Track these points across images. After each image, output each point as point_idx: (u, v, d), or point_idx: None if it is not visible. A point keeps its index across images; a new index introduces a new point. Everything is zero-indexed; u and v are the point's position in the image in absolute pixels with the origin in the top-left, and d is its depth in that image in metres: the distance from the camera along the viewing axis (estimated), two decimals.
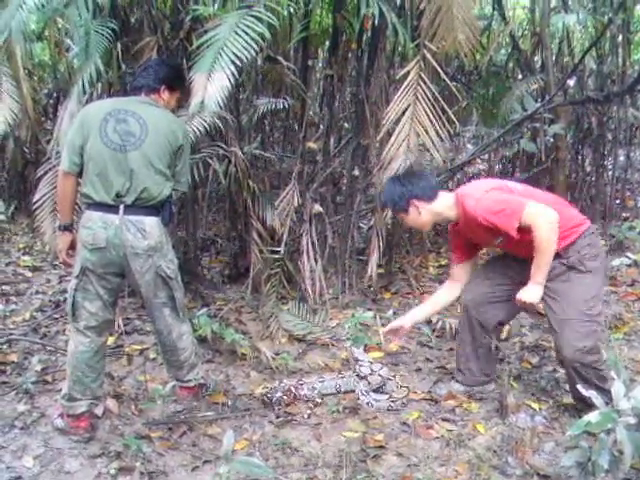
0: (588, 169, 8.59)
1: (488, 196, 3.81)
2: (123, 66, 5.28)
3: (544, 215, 3.65)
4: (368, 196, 6.56)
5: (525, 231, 3.68)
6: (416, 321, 4.43)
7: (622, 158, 8.94)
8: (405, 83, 5.09)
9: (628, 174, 9.11)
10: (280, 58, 5.26)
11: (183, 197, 5.14)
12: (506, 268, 4.17)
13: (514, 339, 5.11)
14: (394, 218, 5.46)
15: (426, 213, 4.02)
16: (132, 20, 5.48)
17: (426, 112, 5.03)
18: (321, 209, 5.60)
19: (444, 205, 4.02)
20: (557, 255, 3.80)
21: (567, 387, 4.13)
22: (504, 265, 4.20)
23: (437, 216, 4.07)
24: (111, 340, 4.95)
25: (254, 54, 4.06)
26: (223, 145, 5.13)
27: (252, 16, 4.12)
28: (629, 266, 6.33)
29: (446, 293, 4.40)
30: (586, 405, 3.71)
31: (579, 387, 3.34)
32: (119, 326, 5.11)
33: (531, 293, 3.80)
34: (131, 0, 5.32)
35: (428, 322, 5.22)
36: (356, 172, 6.02)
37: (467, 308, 4.27)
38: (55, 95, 9.49)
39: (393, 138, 5.09)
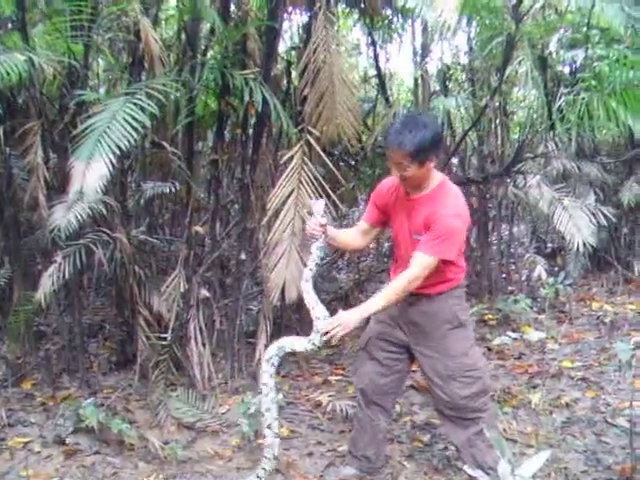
0: (473, 246, 8.80)
1: (461, 214, 3.78)
2: (7, 149, 5.21)
3: (427, 272, 3.71)
4: (256, 278, 6.56)
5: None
6: (333, 233, 4.05)
7: (506, 233, 9.21)
8: (289, 167, 5.16)
9: (512, 248, 9.38)
10: (165, 144, 5.26)
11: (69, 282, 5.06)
12: (385, 338, 4.14)
13: (405, 418, 5.13)
14: (282, 300, 5.42)
15: (427, 172, 3.78)
16: (18, 102, 5.42)
17: (310, 195, 5.09)
18: (208, 294, 5.56)
19: (433, 172, 3.85)
20: (432, 298, 3.89)
21: (459, 464, 4.16)
22: (381, 336, 4.16)
23: (426, 179, 3.81)
24: None
25: (135, 141, 4.06)
26: (107, 231, 5.07)
27: (134, 103, 4.13)
28: (515, 339, 6.46)
29: (352, 235, 4.22)
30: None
31: (465, 468, 3.37)
32: (1, 418, 4.92)
33: (345, 318, 3.68)
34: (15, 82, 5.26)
35: (318, 405, 5.22)
36: (243, 256, 6.03)
37: (364, 393, 4.26)
38: None
39: (278, 222, 5.13)
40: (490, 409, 4.09)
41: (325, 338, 3.65)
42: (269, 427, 3.76)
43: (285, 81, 6.30)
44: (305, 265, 4.04)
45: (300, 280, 3.96)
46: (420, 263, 3.68)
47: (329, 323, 3.64)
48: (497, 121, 8.19)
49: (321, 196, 5.04)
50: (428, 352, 3.96)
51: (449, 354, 3.91)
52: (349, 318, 3.65)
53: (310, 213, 3.98)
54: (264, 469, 3.84)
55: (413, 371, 4.83)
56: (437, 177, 3.86)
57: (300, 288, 3.93)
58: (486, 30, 6.97)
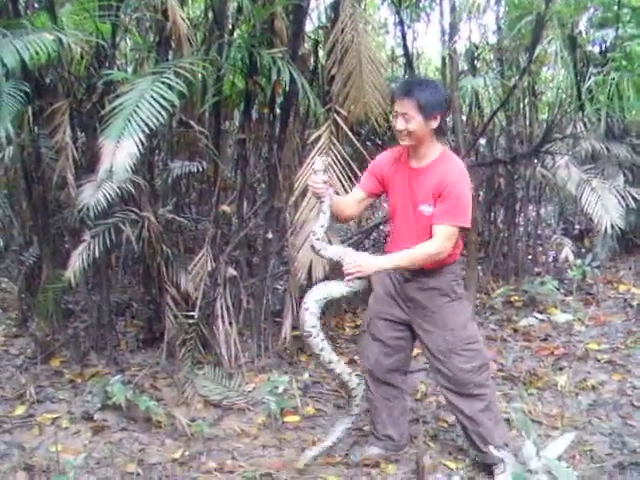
0: (500, 227, 8.76)
1: (467, 181, 3.86)
2: (35, 129, 5.24)
3: (450, 242, 3.76)
4: (283, 258, 6.57)
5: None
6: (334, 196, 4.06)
7: (533, 214, 9.16)
8: (317, 147, 5.16)
9: (539, 230, 9.33)
10: (192, 122, 5.26)
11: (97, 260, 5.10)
12: (385, 317, 4.16)
13: (430, 398, 5.14)
14: (309, 279, 5.43)
15: (429, 133, 3.83)
16: (46, 82, 5.44)
17: (337, 175, 5.09)
18: (235, 273, 5.57)
19: (434, 141, 3.91)
20: (429, 273, 3.92)
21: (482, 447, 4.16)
22: (381, 315, 4.18)
23: (428, 144, 3.86)
24: (22, 409, 4.84)
25: (164, 120, 4.07)
26: (136, 209, 5.10)
27: (162, 82, 4.14)
28: (542, 321, 6.45)
29: (347, 202, 4.16)
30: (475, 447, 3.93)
31: (491, 448, 3.37)
32: (30, 394, 4.98)
33: (367, 260, 3.77)
34: (44, 62, 5.28)
35: (342, 385, 5.26)
36: (270, 235, 6.04)
37: (372, 374, 4.30)
38: None
39: (305, 201, 5.14)
40: (491, 385, 4.15)
41: (359, 276, 3.74)
42: (330, 362, 3.83)
43: (312, 60, 6.27)
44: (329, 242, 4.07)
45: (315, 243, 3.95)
46: (443, 234, 3.72)
47: (352, 261, 3.72)
48: (525, 101, 8.15)
49: (349, 176, 5.05)
50: (428, 327, 3.99)
51: (448, 327, 3.94)
52: (370, 263, 3.74)
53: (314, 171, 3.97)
54: (357, 405, 4.07)
55: None
56: (438, 147, 3.92)
57: (316, 248, 3.91)
58: (515, 9, 6.93)
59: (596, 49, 8.44)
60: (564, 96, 7.61)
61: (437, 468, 4.15)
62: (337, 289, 3.83)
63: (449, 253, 3.84)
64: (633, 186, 7.67)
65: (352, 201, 4.14)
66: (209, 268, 5.29)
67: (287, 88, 5.19)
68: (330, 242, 4.33)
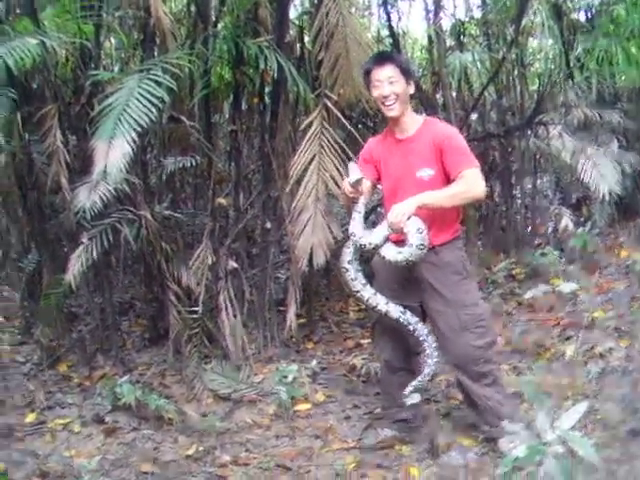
0: (497, 200, 8.75)
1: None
2: (26, 135, 5.22)
3: (483, 182, 3.86)
4: (282, 246, 6.56)
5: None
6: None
7: (529, 186, 9.14)
8: (309, 133, 5.13)
9: (536, 201, 9.31)
10: (183, 118, 5.25)
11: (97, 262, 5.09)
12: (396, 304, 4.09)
13: (439, 377, 5.13)
14: (310, 266, 5.41)
15: (408, 100, 4.02)
16: (33, 87, 5.42)
17: (332, 160, 5.07)
18: (236, 265, 5.57)
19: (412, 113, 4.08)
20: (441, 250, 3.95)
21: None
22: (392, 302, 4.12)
23: (409, 105, 4.04)
24: (32, 416, 4.84)
25: (155, 117, 4.06)
26: (132, 209, 5.08)
27: (150, 79, 4.12)
28: (545, 293, 6.43)
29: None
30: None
31: (505, 423, 3.36)
32: (40, 401, 4.98)
33: (407, 202, 3.80)
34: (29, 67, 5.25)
35: (352, 368, 5.25)
36: (268, 225, 6.02)
37: (390, 364, 4.34)
38: None
39: (302, 189, 5.11)
40: (497, 361, 4.24)
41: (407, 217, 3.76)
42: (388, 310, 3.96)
43: (299, 47, 6.25)
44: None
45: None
46: (475, 175, 3.80)
47: (394, 214, 3.78)
48: (515, 74, 8.12)
49: (343, 160, 5.04)
50: (440, 307, 4.00)
51: (461, 305, 3.96)
52: (409, 203, 3.78)
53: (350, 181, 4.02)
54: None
55: None
56: (420, 117, 4.10)
57: (366, 244, 3.94)
58: None
59: (582, 16, 8.41)
60: (553, 66, 7.58)
61: (451, 446, 4.13)
62: (388, 250, 3.89)
63: (452, 225, 3.96)
64: (628, 151, 7.66)
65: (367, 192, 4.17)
66: (209, 262, 5.28)
67: (275, 76, 5.16)
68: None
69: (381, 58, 4.01)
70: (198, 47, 5.01)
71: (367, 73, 4.01)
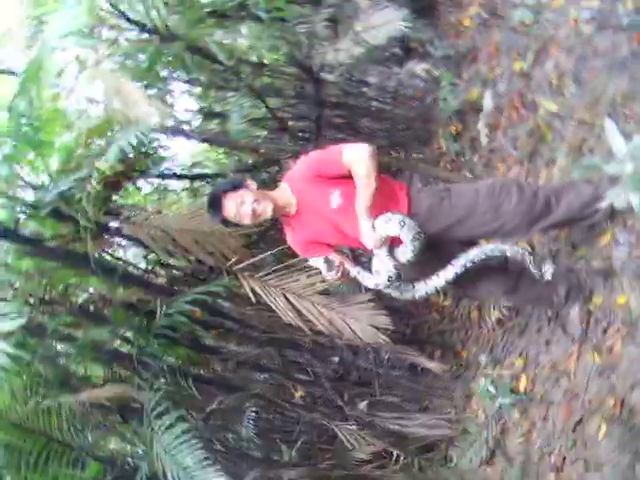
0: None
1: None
2: None
3: (361, 148, 3.63)
4: None
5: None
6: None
7: None
8: None
9: None
10: None
11: None
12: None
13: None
14: None
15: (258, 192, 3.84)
16: None
17: None
18: None
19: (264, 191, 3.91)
20: (414, 214, 3.78)
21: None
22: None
23: (265, 196, 3.83)
24: None
25: None
26: None
27: None
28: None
29: None
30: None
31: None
32: None
33: (367, 233, 3.72)
34: None
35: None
36: None
37: (508, 294, 4.33)
38: None
39: None
40: (530, 183, 4.20)
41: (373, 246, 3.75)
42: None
43: None
44: None
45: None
46: (350, 154, 3.63)
47: (371, 245, 3.75)
48: None
49: None
50: (467, 224, 3.83)
51: (472, 206, 3.81)
52: (364, 233, 3.70)
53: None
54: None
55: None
56: (282, 185, 3.91)
57: (379, 285, 3.95)
58: None
59: None
60: None
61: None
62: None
63: (398, 186, 3.86)
64: None
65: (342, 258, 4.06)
66: None
67: None
68: None
69: (231, 187, 3.82)
70: None
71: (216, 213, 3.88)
